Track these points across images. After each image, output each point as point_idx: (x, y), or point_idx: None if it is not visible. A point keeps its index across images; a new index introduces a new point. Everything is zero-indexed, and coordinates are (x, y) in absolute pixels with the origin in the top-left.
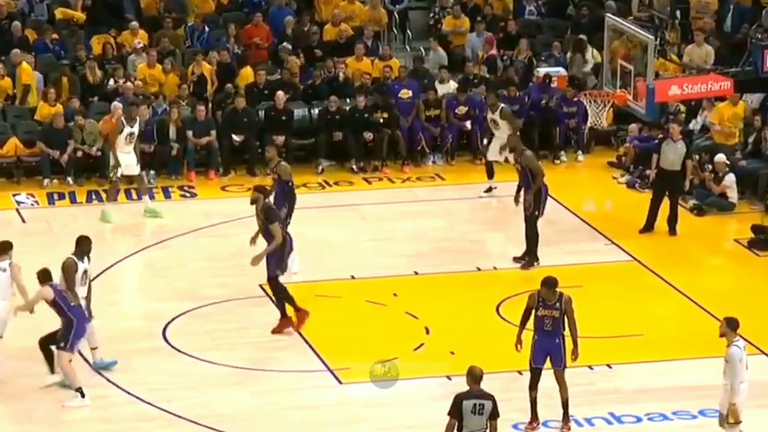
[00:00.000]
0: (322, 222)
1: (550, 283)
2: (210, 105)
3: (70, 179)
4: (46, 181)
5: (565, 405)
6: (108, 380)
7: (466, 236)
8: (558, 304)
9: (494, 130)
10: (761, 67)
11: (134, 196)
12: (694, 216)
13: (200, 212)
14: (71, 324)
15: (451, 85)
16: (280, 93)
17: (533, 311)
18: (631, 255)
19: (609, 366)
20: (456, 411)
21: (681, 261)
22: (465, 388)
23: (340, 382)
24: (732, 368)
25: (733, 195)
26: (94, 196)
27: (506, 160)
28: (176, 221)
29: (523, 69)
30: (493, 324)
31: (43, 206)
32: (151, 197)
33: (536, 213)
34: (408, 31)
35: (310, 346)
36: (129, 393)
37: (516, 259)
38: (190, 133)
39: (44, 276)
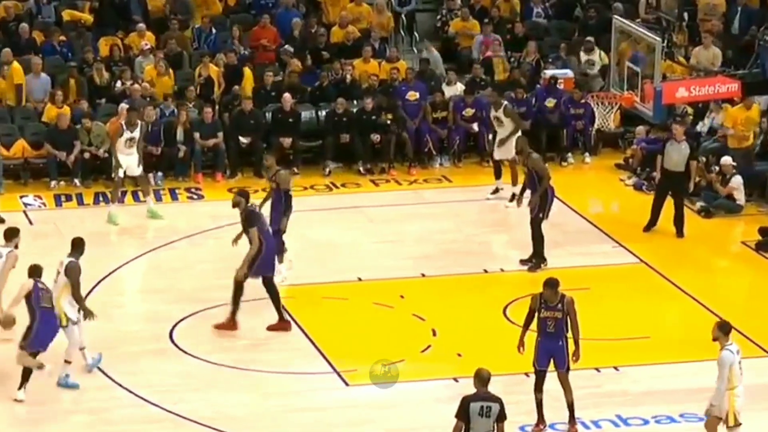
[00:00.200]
0: (329, 224)
1: (552, 284)
2: (217, 107)
3: (77, 181)
4: (53, 182)
5: (570, 407)
6: (114, 382)
7: (473, 238)
8: (560, 306)
9: (498, 127)
10: None
11: (141, 197)
12: (701, 218)
13: (207, 214)
14: (32, 324)
15: (459, 87)
16: (287, 95)
17: (536, 313)
18: (638, 257)
19: (616, 368)
20: (463, 413)
21: (688, 263)
22: (472, 390)
23: (346, 384)
24: (720, 372)
25: (740, 197)
26: (101, 198)
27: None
28: (183, 223)
29: (531, 71)
30: (500, 326)
31: (50, 208)
32: (158, 199)
33: (541, 216)
34: (415, 33)
35: (317, 348)
36: (135, 395)
37: (523, 262)
38: (197, 135)
39: (33, 271)
